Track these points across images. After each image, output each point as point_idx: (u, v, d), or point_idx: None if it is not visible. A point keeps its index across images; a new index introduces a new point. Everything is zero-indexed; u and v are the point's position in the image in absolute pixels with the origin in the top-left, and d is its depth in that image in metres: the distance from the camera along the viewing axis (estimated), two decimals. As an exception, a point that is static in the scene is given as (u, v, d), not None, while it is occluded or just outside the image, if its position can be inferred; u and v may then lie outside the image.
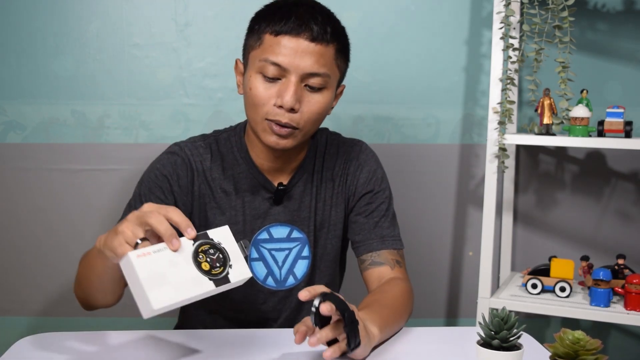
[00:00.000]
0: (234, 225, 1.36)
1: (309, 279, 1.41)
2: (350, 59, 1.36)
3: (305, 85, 1.27)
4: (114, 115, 1.96)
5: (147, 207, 1.03)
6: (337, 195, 1.43)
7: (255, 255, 1.38)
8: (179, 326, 1.54)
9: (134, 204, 1.34)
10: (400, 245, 1.44)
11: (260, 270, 1.39)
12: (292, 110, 1.25)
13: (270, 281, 1.39)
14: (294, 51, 1.23)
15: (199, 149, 1.38)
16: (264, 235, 1.38)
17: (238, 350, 1.15)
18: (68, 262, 1.99)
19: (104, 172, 1.96)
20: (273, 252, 1.39)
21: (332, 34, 1.26)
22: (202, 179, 1.36)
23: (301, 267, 1.41)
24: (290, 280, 1.40)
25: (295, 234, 1.40)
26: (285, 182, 1.39)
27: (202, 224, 1.37)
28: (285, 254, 1.40)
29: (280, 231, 1.39)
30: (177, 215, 1.02)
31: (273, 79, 1.26)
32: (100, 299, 1.22)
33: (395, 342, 1.22)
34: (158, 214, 1.00)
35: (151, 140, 1.94)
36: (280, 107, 1.25)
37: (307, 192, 1.40)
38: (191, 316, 1.49)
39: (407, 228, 2.02)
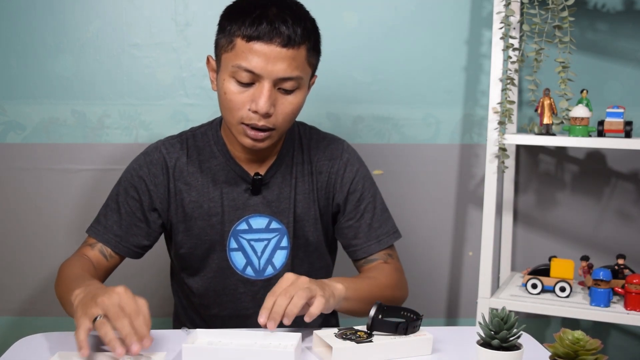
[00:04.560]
0: (213, 217, 1.40)
1: (289, 269, 1.43)
2: (321, 49, 1.35)
3: (279, 89, 1.28)
4: (114, 115, 1.96)
5: (117, 307, 1.05)
6: (320, 190, 1.45)
7: (234, 245, 1.41)
8: (176, 326, 1.56)
9: (110, 204, 1.41)
10: (395, 238, 1.48)
11: (239, 260, 1.41)
12: (266, 114, 1.27)
13: (249, 271, 1.42)
14: (266, 57, 1.24)
15: (174, 145, 1.42)
16: (243, 226, 1.41)
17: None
18: (68, 262, 1.99)
19: (104, 172, 1.96)
20: (252, 243, 1.41)
21: (303, 35, 1.26)
22: (178, 176, 1.40)
23: (280, 257, 1.43)
24: (269, 270, 1.43)
25: (274, 225, 1.42)
26: (262, 173, 1.41)
27: (181, 219, 1.40)
28: (264, 244, 1.42)
29: (259, 222, 1.41)
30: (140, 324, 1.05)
31: (246, 84, 1.26)
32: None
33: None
34: (105, 326, 1.03)
35: (151, 140, 1.92)
36: (255, 112, 1.27)
37: (285, 184, 1.42)
38: (180, 315, 1.54)
39: (407, 228, 2.02)
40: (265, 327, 1.12)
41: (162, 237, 1.49)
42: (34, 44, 1.93)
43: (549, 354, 0.98)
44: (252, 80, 1.26)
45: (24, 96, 1.95)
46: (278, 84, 1.27)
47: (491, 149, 1.78)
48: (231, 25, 1.26)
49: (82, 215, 1.98)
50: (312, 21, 1.31)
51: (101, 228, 1.39)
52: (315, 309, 1.15)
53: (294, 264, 1.44)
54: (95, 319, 1.04)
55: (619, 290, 1.74)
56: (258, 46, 1.23)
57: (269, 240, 1.42)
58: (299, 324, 1.27)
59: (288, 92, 1.29)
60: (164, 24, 1.95)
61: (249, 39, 1.24)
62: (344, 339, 1.12)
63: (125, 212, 1.38)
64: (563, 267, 1.81)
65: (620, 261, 1.81)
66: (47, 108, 1.95)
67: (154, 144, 1.44)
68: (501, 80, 1.77)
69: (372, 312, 1.15)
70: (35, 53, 1.93)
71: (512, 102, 1.79)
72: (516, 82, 1.82)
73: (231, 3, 1.32)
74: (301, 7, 1.31)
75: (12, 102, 1.95)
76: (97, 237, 1.39)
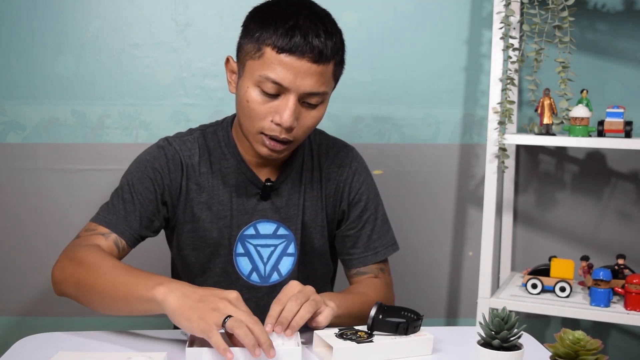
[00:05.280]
0: (221, 220, 1.38)
1: (294, 276, 1.41)
2: (345, 61, 1.33)
3: (303, 102, 1.26)
4: (114, 115, 1.96)
5: (239, 313, 1.07)
6: (328, 197, 1.44)
7: (240, 250, 1.39)
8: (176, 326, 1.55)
9: (121, 194, 1.34)
10: (392, 250, 1.47)
11: (245, 265, 1.40)
12: (289, 128, 1.25)
13: (254, 277, 1.40)
14: (295, 72, 1.21)
15: (187, 143, 1.39)
16: (251, 231, 1.39)
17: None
18: (68, 262, 1.99)
19: (104, 172, 1.96)
20: (259, 248, 1.40)
21: (333, 50, 1.24)
22: (190, 174, 1.37)
23: (286, 264, 1.41)
24: (275, 277, 1.41)
25: (282, 231, 1.40)
26: (273, 178, 1.39)
27: (189, 219, 1.38)
28: (271, 250, 1.40)
29: (266, 227, 1.40)
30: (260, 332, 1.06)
31: (271, 95, 1.24)
32: (102, 311, 1.23)
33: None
34: (244, 326, 1.04)
35: (151, 140, 1.93)
36: (278, 124, 1.25)
37: (295, 190, 1.41)
38: None
39: (407, 228, 2.03)
40: (270, 333, 1.12)
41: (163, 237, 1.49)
42: (34, 44, 1.93)
43: (550, 354, 0.98)
44: (278, 92, 1.23)
45: (24, 96, 1.95)
46: (303, 98, 1.25)
47: (491, 149, 1.78)
48: (260, 32, 1.23)
49: (83, 215, 1.96)
50: (341, 33, 1.29)
51: (115, 219, 1.32)
52: (325, 319, 1.16)
53: (300, 272, 1.43)
54: (225, 321, 1.05)
55: (619, 290, 1.74)
56: (289, 59, 1.20)
57: (276, 246, 1.40)
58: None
59: (312, 106, 1.27)
60: (164, 24, 1.95)
61: (280, 50, 1.20)
62: (345, 339, 1.12)
63: (140, 204, 1.33)
64: (563, 267, 1.81)
65: (620, 261, 1.81)
66: (47, 108, 1.95)
67: (166, 139, 1.40)
68: (501, 80, 1.77)
69: (373, 312, 1.15)
70: (35, 53, 1.93)
71: (512, 102, 1.79)
72: (516, 82, 1.82)
73: (258, 5, 1.29)
74: (331, 18, 1.29)
75: (12, 102, 1.95)
76: (110, 227, 1.31)
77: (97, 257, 1.23)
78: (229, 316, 1.05)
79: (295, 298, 1.14)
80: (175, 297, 1.09)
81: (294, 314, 1.12)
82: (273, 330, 1.11)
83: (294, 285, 1.17)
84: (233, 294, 1.10)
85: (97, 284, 1.19)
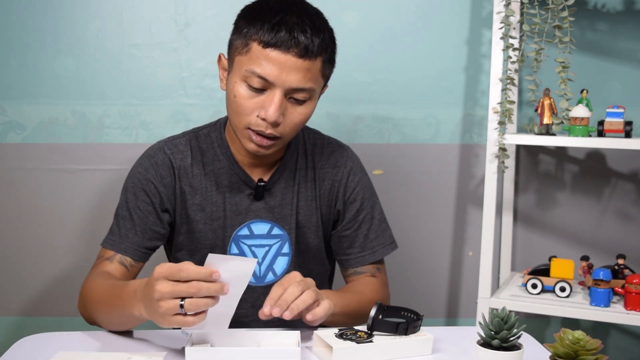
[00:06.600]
0: (215, 221, 1.38)
1: None
2: (336, 61, 1.33)
3: (290, 98, 1.26)
4: (114, 115, 1.96)
5: (177, 290, 1.03)
6: (322, 197, 1.43)
7: (235, 251, 1.39)
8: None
9: (120, 212, 1.37)
10: (391, 249, 1.47)
11: None
12: (275, 123, 1.26)
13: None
14: (281, 66, 1.22)
15: (178, 146, 1.39)
16: (245, 231, 1.39)
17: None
18: (68, 262, 1.99)
19: (104, 172, 1.96)
20: (253, 249, 1.40)
21: (320, 47, 1.24)
22: (182, 177, 1.38)
23: (281, 264, 1.41)
24: (270, 277, 1.41)
25: (276, 231, 1.40)
26: (266, 178, 1.39)
27: (184, 221, 1.39)
28: (266, 250, 1.40)
29: (260, 227, 1.40)
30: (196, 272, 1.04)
31: (258, 90, 1.25)
32: (113, 328, 1.26)
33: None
34: (198, 301, 1.02)
35: (151, 140, 1.93)
36: (264, 119, 1.25)
37: (288, 189, 1.41)
38: None
39: (408, 228, 2.03)
40: (267, 317, 1.13)
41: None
42: (34, 44, 1.93)
43: (549, 354, 0.98)
44: (264, 86, 1.24)
45: (24, 96, 1.95)
46: (290, 94, 1.25)
47: (491, 149, 1.78)
48: (248, 28, 1.24)
49: (82, 215, 1.98)
50: (330, 32, 1.29)
51: (117, 238, 1.35)
52: (322, 310, 1.16)
53: (294, 270, 1.43)
54: (182, 307, 1.02)
55: (619, 290, 1.74)
56: (274, 54, 1.21)
57: (270, 246, 1.40)
58: (296, 325, 1.28)
59: (299, 102, 1.27)
60: (164, 24, 1.95)
61: (266, 45, 1.21)
62: (344, 339, 1.12)
63: (138, 218, 1.35)
64: (563, 267, 1.81)
65: (620, 261, 1.81)
66: (47, 108, 1.95)
67: (156, 145, 1.41)
68: (501, 80, 1.77)
69: (373, 312, 1.15)
70: (35, 53, 1.93)
71: (512, 102, 1.79)
72: (516, 82, 1.82)
73: (250, 3, 1.30)
74: (321, 16, 1.29)
75: (12, 102, 1.95)
76: (114, 248, 1.34)
77: (95, 289, 1.27)
78: (183, 300, 1.02)
79: (297, 284, 1.15)
80: (145, 309, 1.08)
81: (294, 297, 1.13)
82: (271, 313, 1.12)
83: (296, 275, 1.19)
84: (153, 274, 1.04)
85: (101, 314, 1.25)
